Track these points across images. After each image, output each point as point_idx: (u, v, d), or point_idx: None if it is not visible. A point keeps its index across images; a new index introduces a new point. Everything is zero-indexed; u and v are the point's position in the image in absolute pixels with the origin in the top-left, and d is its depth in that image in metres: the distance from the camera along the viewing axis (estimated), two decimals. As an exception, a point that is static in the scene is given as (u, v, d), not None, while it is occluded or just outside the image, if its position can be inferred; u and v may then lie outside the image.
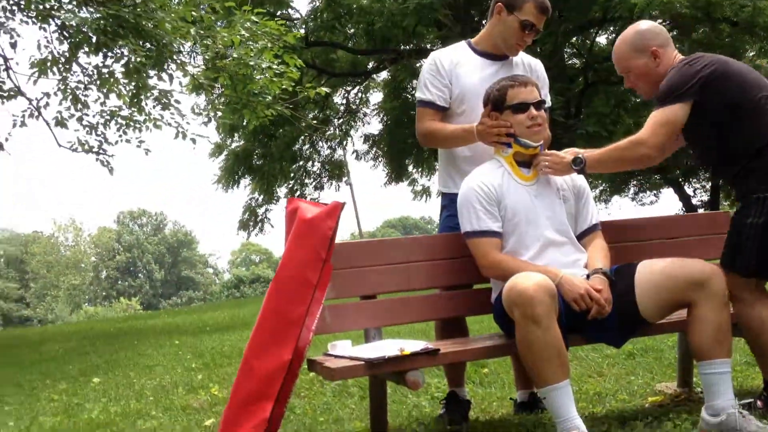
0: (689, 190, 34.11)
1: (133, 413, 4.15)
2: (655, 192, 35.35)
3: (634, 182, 34.38)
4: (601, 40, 25.14)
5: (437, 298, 3.29)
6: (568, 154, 3.00)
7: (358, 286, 3.09)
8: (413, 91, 24.04)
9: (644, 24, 3.17)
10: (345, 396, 4.24)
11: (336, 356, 2.90)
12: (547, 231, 2.97)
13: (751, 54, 21.37)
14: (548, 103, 3.31)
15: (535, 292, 2.55)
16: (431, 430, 3.17)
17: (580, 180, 3.13)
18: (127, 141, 10.76)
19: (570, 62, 23.58)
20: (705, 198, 34.04)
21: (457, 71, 3.31)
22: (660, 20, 20.51)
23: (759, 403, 2.92)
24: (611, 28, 23.23)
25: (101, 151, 10.81)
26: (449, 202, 3.38)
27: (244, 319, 11.71)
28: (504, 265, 2.89)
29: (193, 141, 9.97)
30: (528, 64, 3.43)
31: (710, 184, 32.18)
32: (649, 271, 2.84)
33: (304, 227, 2.91)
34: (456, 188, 3.31)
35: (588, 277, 2.89)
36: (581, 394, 3.70)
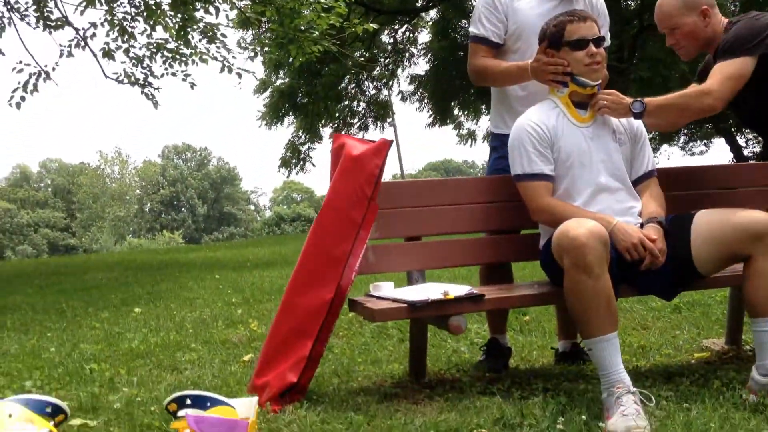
0: (741, 141, 33.21)
1: (172, 345, 4.18)
2: (705, 141, 34.48)
3: (685, 131, 33.55)
4: (659, -18, 24.23)
5: (483, 242, 3.21)
6: (619, 94, 2.87)
7: (402, 226, 3.02)
8: (462, 32, 23.58)
9: None
10: (384, 338, 4.22)
11: (378, 297, 2.85)
12: (601, 176, 2.85)
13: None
14: (608, 42, 3.15)
15: (588, 240, 2.45)
16: (471, 376, 3.12)
17: (637, 123, 2.99)
18: (173, 74, 10.73)
19: (625, 3, 22.82)
20: (757, 149, 33.14)
21: (514, 5, 3.17)
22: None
23: None
24: (670, -29, 22.37)
25: (147, 84, 10.80)
26: (500, 143, 3.27)
27: (284, 256, 11.79)
28: (555, 209, 2.78)
29: (239, 75, 9.89)
30: (590, 0, 3.27)
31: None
32: (707, 221, 2.71)
33: (351, 164, 2.84)
34: (507, 129, 3.19)
35: (642, 225, 2.78)
36: (625, 346, 3.61)
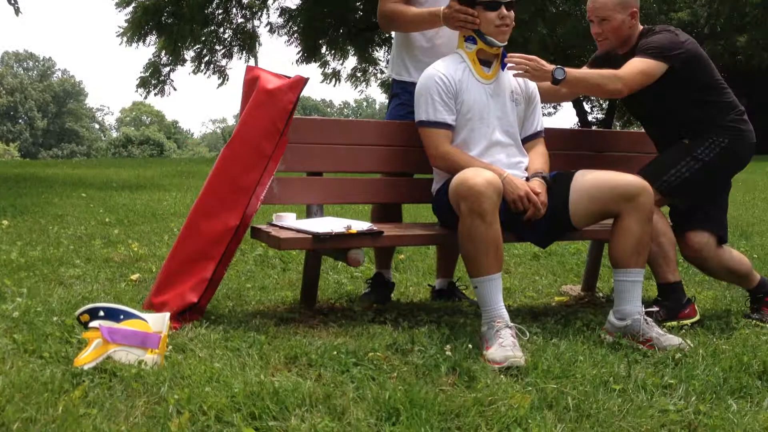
0: (587, 106, 35.23)
1: (53, 259, 4.11)
2: (555, 105, 36.33)
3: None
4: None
5: (379, 182, 3.38)
6: (542, 60, 3.10)
7: (306, 161, 3.14)
8: (339, -31, 23.31)
9: None
10: (267, 266, 4.34)
11: (282, 227, 2.98)
12: (497, 131, 3.09)
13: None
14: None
15: (485, 189, 2.67)
16: (359, 306, 3.32)
17: (532, 86, 3.24)
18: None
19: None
20: (600, 116, 35.27)
21: None
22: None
23: (657, 308, 3.22)
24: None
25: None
26: (401, 90, 3.43)
27: (150, 179, 11.52)
28: (454, 157, 3.00)
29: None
30: None
31: (607, 103, 33.36)
32: (585, 180, 3.00)
33: (265, 97, 2.91)
34: (409, 77, 3.37)
35: (528, 179, 3.05)
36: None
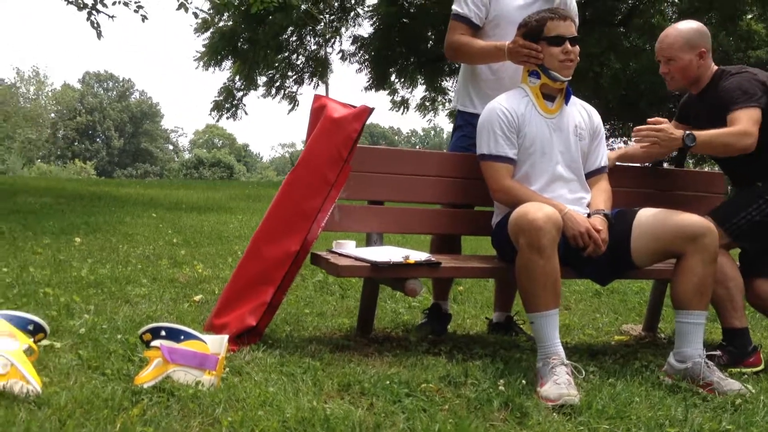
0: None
1: (121, 278, 4.24)
2: (625, 139, 35.80)
3: (607, 126, 34.75)
4: (606, -22, 24.77)
5: (440, 213, 3.41)
6: (670, 127, 3.10)
7: (368, 190, 3.18)
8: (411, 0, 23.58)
9: (699, 24, 3.35)
10: (326, 293, 4.39)
11: (340, 254, 3.02)
12: (559, 165, 3.08)
13: (749, 17, 21.42)
14: None
15: (545, 224, 2.66)
16: (416, 337, 3.33)
17: (597, 120, 3.23)
18: (125, 3, 10.42)
19: (570, -3, 23.23)
20: (674, 153, 34.63)
21: None
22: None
23: (720, 352, 3.14)
24: (618, -32, 22.92)
25: (95, 10, 10.45)
26: (464, 122, 3.46)
27: (218, 201, 11.79)
28: (514, 192, 3.00)
29: (195, 15, 9.73)
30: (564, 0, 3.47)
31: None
32: (648, 218, 2.97)
33: (331, 125, 2.97)
34: (473, 108, 3.40)
35: (589, 215, 3.03)
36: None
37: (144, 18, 10.31)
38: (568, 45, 3.04)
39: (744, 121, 3.13)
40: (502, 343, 3.36)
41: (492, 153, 3.05)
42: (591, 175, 3.21)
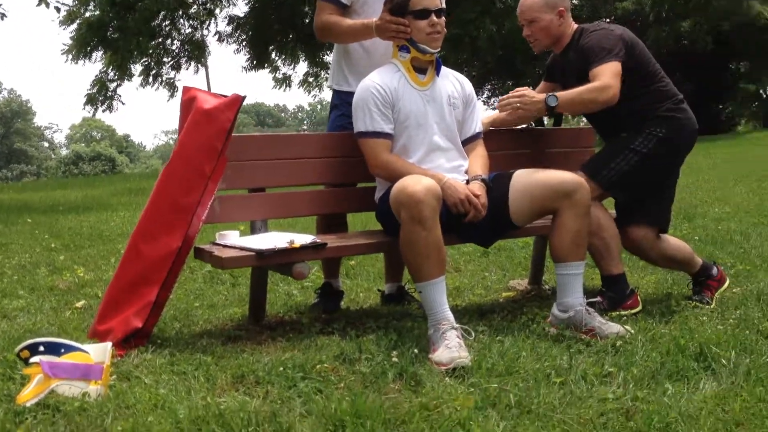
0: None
1: (-4, 291, 4.06)
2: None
3: (488, 86, 35.54)
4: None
5: (322, 194, 3.41)
6: (530, 92, 3.23)
7: (247, 178, 3.14)
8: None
9: None
10: (217, 283, 4.34)
11: (225, 245, 2.98)
12: (435, 136, 3.13)
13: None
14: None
15: (424, 196, 2.71)
16: (308, 318, 3.34)
17: (469, 88, 3.30)
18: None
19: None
20: (546, 118, 35.72)
21: None
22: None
23: (600, 298, 3.30)
24: (483, -68, 23.28)
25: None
26: (341, 101, 3.46)
27: (98, 199, 11.37)
28: (393, 166, 3.04)
29: (57, 10, 9.26)
30: None
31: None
32: (523, 180, 3.07)
33: (202, 117, 2.92)
34: (348, 87, 3.40)
35: (468, 182, 3.10)
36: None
37: (3, 15, 9.74)
38: (434, 17, 3.07)
39: (605, 75, 3.24)
40: (394, 314, 3.42)
41: (369, 129, 3.07)
42: (467, 142, 3.28)
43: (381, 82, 3.08)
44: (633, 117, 3.37)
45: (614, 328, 2.89)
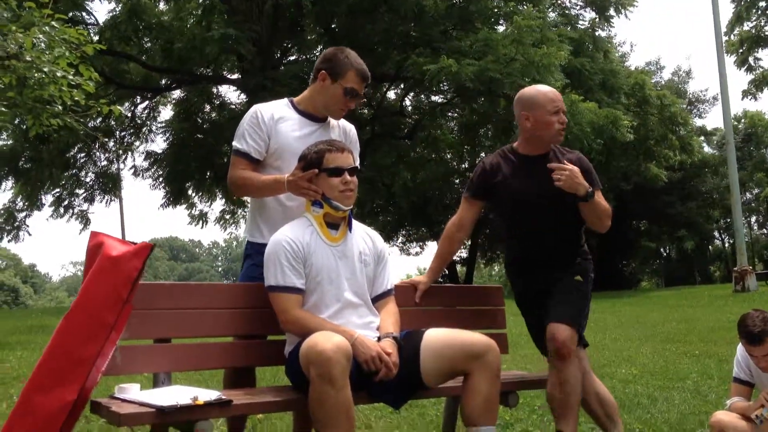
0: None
1: None
2: (420, 243, 37.52)
3: (403, 232, 36.33)
4: (391, 95, 26.49)
5: (231, 346, 3.31)
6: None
7: (153, 328, 3.03)
8: (205, 115, 23.67)
9: None
10: (113, 436, 4.07)
11: (123, 400, 2.83)
12: (346, 292, 3.13)
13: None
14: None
15: (334, 354, 2.67)
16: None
17: (381, 244, 3.34)
18: None
19: (360, 111, 24.52)
20: (464, 254, 36.73)
21: (277, 126, 3.40)
22: (446, 86, 22.12)
23: None
24: (402, 86, 24.59)
25: None
26: (254, 252, 3.44)
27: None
28: (304, 322, 3.00)
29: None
30: (343, 128, 3.61)
31: (470, 241, 34.89)
32: (434, 340, 3.07)
33: (108, 264, 2.83)
34: (263, 239, 3.39)
35: (379, 339, 3.08)
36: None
37: None
38: (347, 176, 3.14)
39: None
40: (301, 476, 3.27)
41: (280, 284, 3.05)
42: (378, 299, 3.28)
43: (293, 237, 3.09)
44: (576, 245, 3.58)
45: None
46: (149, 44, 20.01)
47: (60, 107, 8.55)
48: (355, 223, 3.29)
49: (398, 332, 3.16)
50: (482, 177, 3.64)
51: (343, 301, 3.11)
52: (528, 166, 3.60)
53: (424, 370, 3.05)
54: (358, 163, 3.34)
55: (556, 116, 3.54)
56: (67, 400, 2.72)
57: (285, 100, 3.55)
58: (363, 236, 3.30)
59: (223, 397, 2.79)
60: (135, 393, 2.88)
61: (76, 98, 8.38)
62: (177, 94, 23.94)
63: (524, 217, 3.57)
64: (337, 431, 2.70)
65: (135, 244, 2.91)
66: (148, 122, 24.47)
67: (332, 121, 3.55)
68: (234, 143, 3.46)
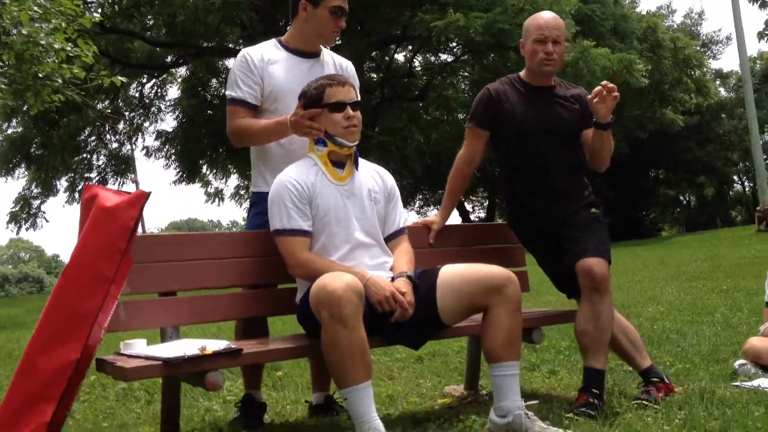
0: (468, 206, 36.41)
1: None
2: (438, 206, 37.37)
3: (420, 196, 36.16)
4: (399, 57, 26.17)
5: (239, 297, 3.18)
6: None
7: (156, 281, 2.91)
8: (213, 90, 23.52)
9: None
10: (130, 400, 4.00)
11: (130, 356, 2.71)
12: (357, 232, 2.98)
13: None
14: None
15: (344, 293, 2.54)
16: (225, 434, 3.05)
17: (390, 182, 3.18)
18: None
19: (368, 76, 24.24)
20: (482, 214, 36.55)
21: (269, 69, 3.24)
22: (454, 44, 21.78)
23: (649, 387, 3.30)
24: (409, 47, 24.26)
25: None
26: (258, 199, 3.30)
27: (13, 317, 10.79)
28: (312, 264, 2.86)
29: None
30: (339, 64, 3.44)
31: (488, 201, 34.66)
32: (451, 275, 2.93)
33: (103, 215, 2.69)
34: (267, 187, 3.23)
35: (393, 279, 2.94)
36: (374, 396, 3.74)
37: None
38: (349, 110, 2.97)
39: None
40: (322, 426, 3.17)
41: (285, 227, 2.90)
42: (391, 238, 3.13)
43: (298, 177, 2.94)
44: (582, 178, 3.49)
45: (555, 432, 2.70)
46: (152, 20, 19.82)
47: (60, 81, 8.42)
48: (362, 160, 3.13)
49: (412, 271, 3.01)
50: (488, 105, 3.46)
51: (354, 242, 2.97)
52: (534, 96, 3.45)
53: (442, 308, 2.91)
54: (359, 98, 3.17)
55: (541, 45, 3.38)
56: (69, 359, 2.60)
57: (273, 41, 3.38)
58: (371, 174, 3.14)
59: (233, 346, 2.67)
60: (141, 348, 2.77)
61: (75, 71, 8.24)
62: (183, 71, 23.81)
63: (529, 148, 3.40)
64: (353, 375, 2.58)
65: (129, 194, 2.78)
66: (156, 101, 24.36)
67: (326, 58, 3.38)
68: (227, 92, 3.31)
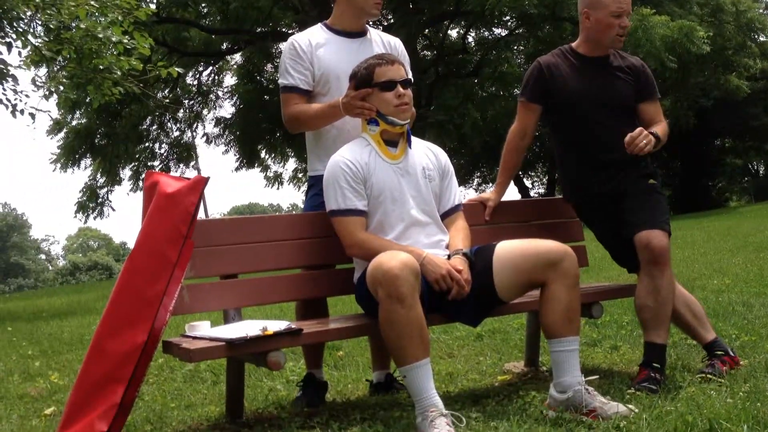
0: (528, 183, 36.04)
1: (-38, 402, 3.83)
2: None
3: (478, 174, 35.89)
4: (453, 33, 25.93)
5: (299, 278, 3.24)
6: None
7: (218, 265, 2.98)
8: (268, 75, 23.72)
9: None
10: (197, 381, 4.11)
11: (195, 337, 2.79)
12: (413, 210, 2.99)
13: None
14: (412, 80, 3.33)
15: (400, 271, 2.56)
16: (289, 413, 3.12)
17: (444, 159, 3.18)
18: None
19: (422, 54, 24.09)
20: (541, 190, 36.12)
21: (317, 53, 3.27)
22: (508, 17, 21.47)
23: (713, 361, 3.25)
24: (462, 23, 24.01)
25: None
26: (315, 181, 3.34)
27: (83, 304, 11.14)
28: (368, 244, 2.88)
29: (32, 116, 9.20)
30: (387, 42, 3.45)
31: (547, 177, 34.20)
32: (507, 251, 2.92)
33: (165, 202, 2.78)
34: (323, 169, 3.27)
35: (449, 257, 2.94)
36: (434, 374, 3.72)
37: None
38: (400, 88, 2.98)
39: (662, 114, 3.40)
40: (382, 403, 3.20)
41: (341, 207, 2.93)
42: (446, 216, 3.13)
43: (351, 157, 2.96)
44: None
45: (617, 407, 2.67)
46: (206, 8, 20.07)
47: (119, 73, 8.59)
48: (414, 138, 3.13)
49: (469, 248, 3.01)
50: (539, 78, 3.40)
51: (409, 220, 2.98)
52: (588, 67, 3.38)
53: (499, 284, 2.90)
54: (409, 74, 3.16)
55: (618, 19, 3.29)
56: (137, 342, 2.69)
57: (319, 25, 3.41)
58: (425, 151, 3.15)
59: (293, 326, 2.73)
60: (205, 329, 2.84)
61: (133, 63, 8.41)
62: (238, 58, 24.06)
63: (584, 120, 3.34)
64: (411, 352, 2.60)
65: (189, 179, 2.85)
66: (214, 89, 24.72)
67: (374, 36, 3.40)
68: (280, 80, 3.35)
